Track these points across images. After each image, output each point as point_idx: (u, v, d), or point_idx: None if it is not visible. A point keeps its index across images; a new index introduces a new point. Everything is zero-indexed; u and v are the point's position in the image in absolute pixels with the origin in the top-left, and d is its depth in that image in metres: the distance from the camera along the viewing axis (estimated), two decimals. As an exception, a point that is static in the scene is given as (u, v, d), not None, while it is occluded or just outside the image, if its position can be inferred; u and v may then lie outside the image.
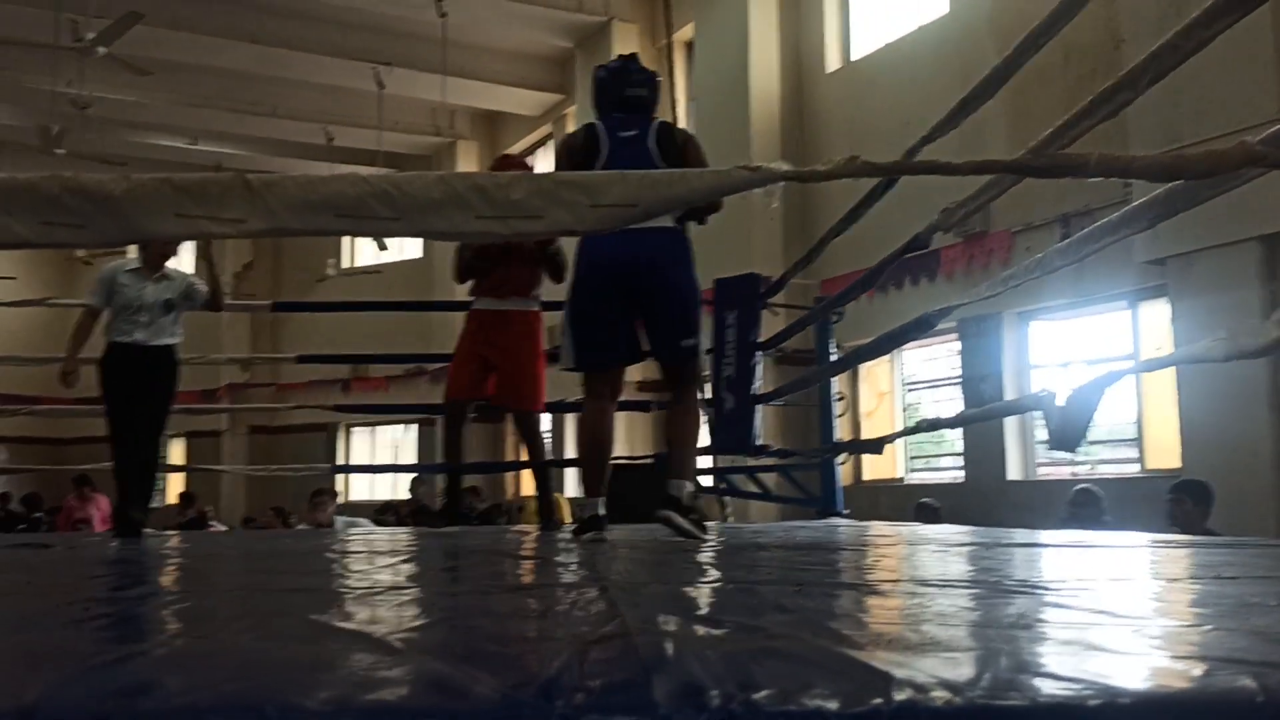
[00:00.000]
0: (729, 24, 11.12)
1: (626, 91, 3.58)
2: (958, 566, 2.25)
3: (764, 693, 0.71)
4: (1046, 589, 1.65)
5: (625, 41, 13.05)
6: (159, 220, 1.43)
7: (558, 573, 2.19)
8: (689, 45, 12.15)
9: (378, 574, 2.17)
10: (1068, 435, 2.08)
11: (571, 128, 14.73)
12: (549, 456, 4.91)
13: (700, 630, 1.06)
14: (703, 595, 1.58)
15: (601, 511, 3.41)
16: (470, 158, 16.63)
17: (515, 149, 16.73)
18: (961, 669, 0.83)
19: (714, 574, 2.13)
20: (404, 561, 2.57)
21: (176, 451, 18.62)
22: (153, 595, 1.83)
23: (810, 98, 10.87)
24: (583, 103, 13.88)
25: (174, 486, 17.97)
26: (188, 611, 1.49)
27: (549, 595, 1.60)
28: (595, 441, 3.52)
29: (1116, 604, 1.43)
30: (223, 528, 11.17)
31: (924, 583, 1.78)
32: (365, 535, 5.21)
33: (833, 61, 10.71)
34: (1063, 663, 0.89)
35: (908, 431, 4.08)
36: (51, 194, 1.41)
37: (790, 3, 11.05)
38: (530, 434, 4.92)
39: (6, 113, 14.41)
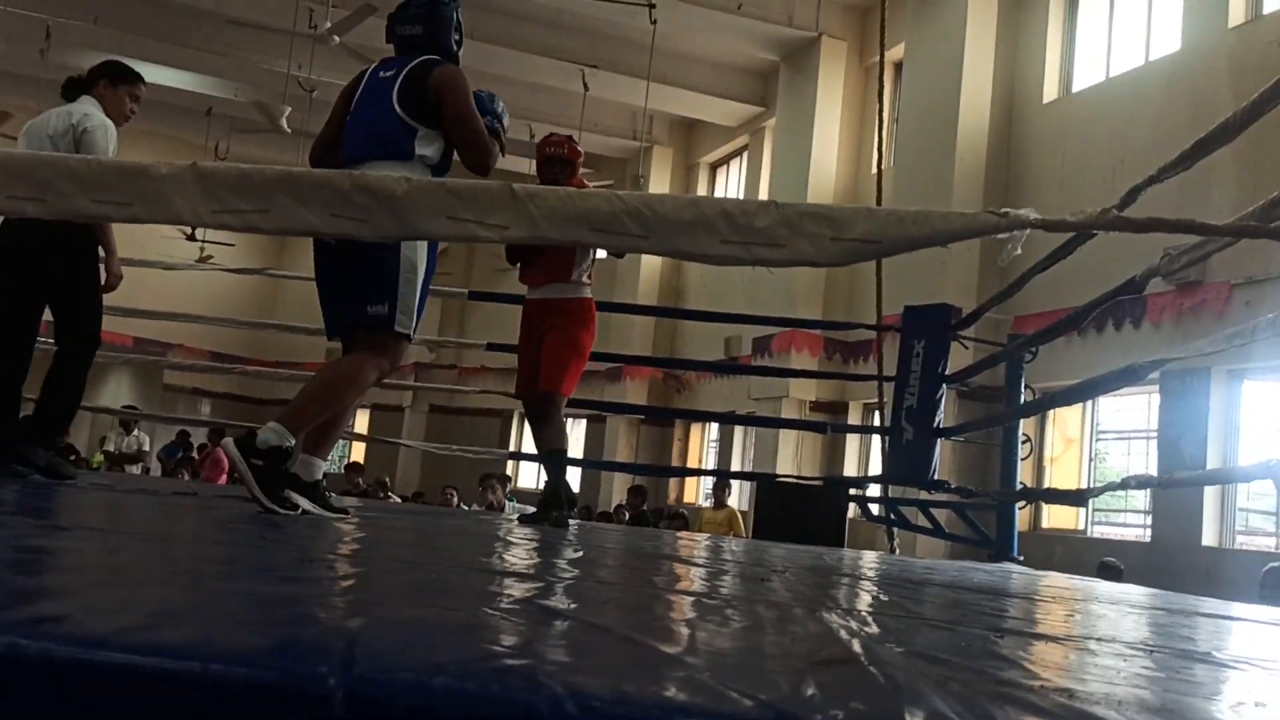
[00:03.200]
0: (942, 46, 10.92)
1: (398, 30, 3.29)
2: (1156, 630, 2.18)
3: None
4: (1260, 664, 1.60)
5: (832, 57, 12.99)
6: (433, 221, 1.54)
7: (734, 580, 2.23)
8: (897, 66, 11.99)
9: (563, 566, 2.27)
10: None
11: (769, 141, 14.79)
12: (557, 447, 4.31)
13: (924, 665, 1.09)
14: (902, 626, 1.59)
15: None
16: (664, 164, 16.85)
17: (709, 159, 16.88)
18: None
19: (901, 606, 2.13)
20: (588, 557, 2.66)
21: (360, 422, 19.58)
22: (401, 562, 1.97)
23: (1022, 128, 10.56)
24: (782, 117, 13.88)
25: (355, 455, 18.91)
26: (430, 581, 1.60)
27: (740, 605, 1.65)
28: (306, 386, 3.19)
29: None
30: (397, 499, 11.68)
31: (1129, 644, 1.75)
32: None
33: (1050, 92, 10.38)
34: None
35: (1112, 487, 3.92)
36: (343, 189, 1.54)
37: (1010, 28, 10.76)
38: (539, 417, 4.34)
39: (243, 91, 15.46)
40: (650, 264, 16.49)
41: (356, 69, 3.59)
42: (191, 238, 14.43)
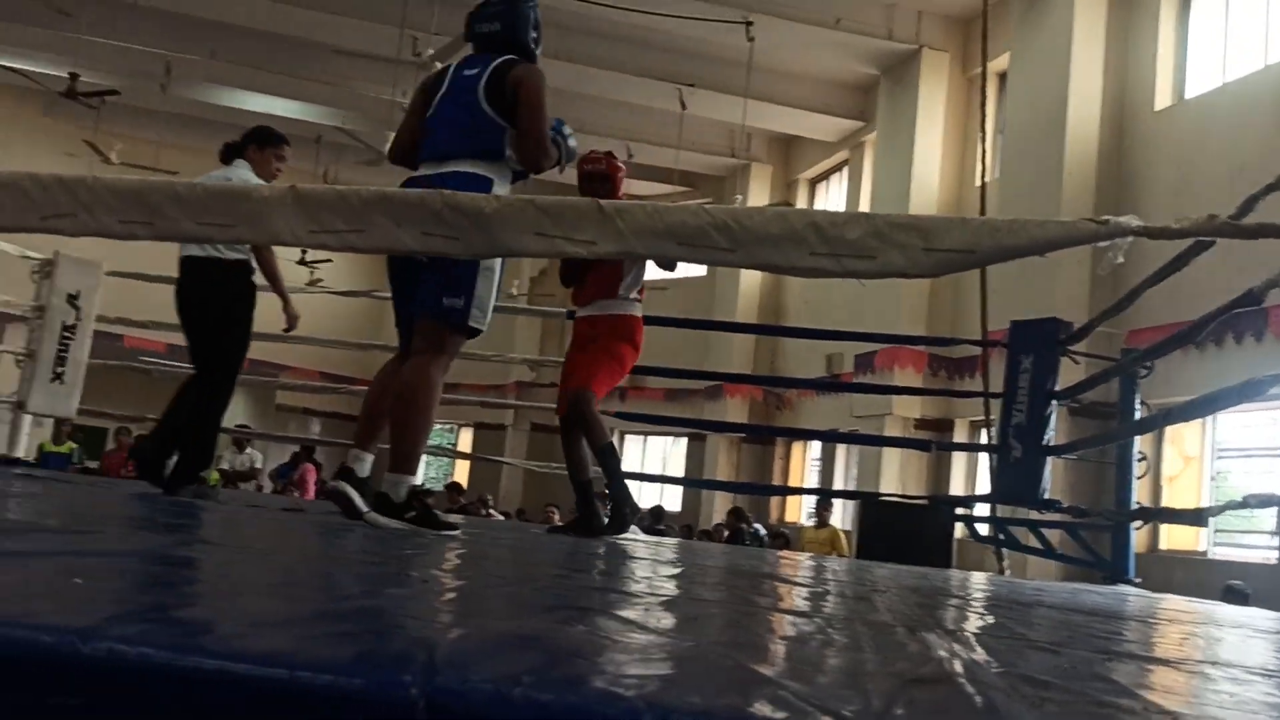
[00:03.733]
0: (1049, 54, 10.67)
1: (476, 28, 3.31)
2: (1281, 658, 2.07)
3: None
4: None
5: (934, 70, 12.81)
6: (522, 237, 1.56)
7: (832, 598, 2.19)
8: (1002, 76, 11.75)
9: (661, 582, 2.26)
10: None
11: (870, 156, 14.64)
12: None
13: (1023, 686, 1.05)
14: (1004, 647, 1.54)
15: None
16: (763, 181, 16.79)
17: (809, 174, 16.77)
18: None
19: (1006, 627, 2.06)
20: (686, 574, 2.64)
21: (464, 440, 19.90)
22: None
23: (1133, 136, 10.25)
24: (883, 131, 13.71)
25: (459, 473, 19.22)
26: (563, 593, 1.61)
27: (837, 624, 1.62)
28: (367, 398, 3.29)
29: None
30: (500, 516, 11.83)
31: (1248, 669, 1.66)
32: (633, 539, 5.39)
33: (1163, 98, 10.05)
34: None
35: (1233, 506, 3.74)
36: (435, 209, 1.57)
37: (1119, 34, 10.46)
38: (579, 419, 4.13)
39: (350, 118, 15.93)
40: (749, 281, 16.44)
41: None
42: (303, 262, 14.87)
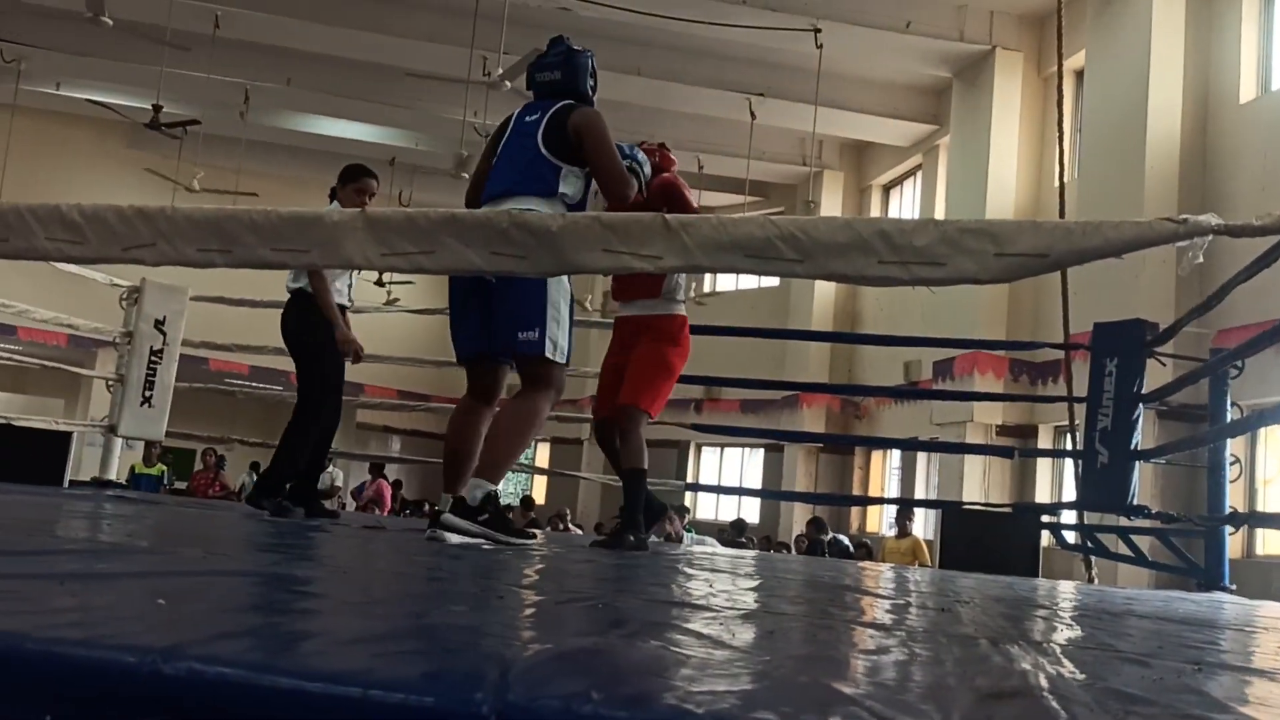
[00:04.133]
0: (1127, 50, 10.43)
1: (537, 77, 3.52)
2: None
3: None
4: None
5: (1008, 70, 12.61)
6: (589, 254, 1.56)
7: (914, 610, 2.15)
8: (1079, 74, 11.51)
9: (738, 595, 2.24)
10: None
11: (944, 159, 14.43)
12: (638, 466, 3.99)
13: (1110, 699, 1.02)
14: (1091, 659, 1.50)
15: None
16: (835, 188, 16.67)
17: (882, 180, 16.61)
18: None
19: (1094, 638, 2.01)
20: (764, 587, 2.62)
21: (541, 455, 20.04)
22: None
23: (1217, 131, 9.96)
24: (957, 134, 13.53)
25: (537, 488, 19.36)
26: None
27: (919, 636, 1.59)
28: (447, 441, 3.38)
29: None
30: (578, 531, 11.87)
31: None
32: (712, 553, 5.38)
33: (1247, 91, 9.76)
34: None
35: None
36: (501, 228, 1.58)
37: (1200, 27, 10.18)
38: (620, 434, 4.05)
39: (425, 140, 16.19)
40: (824, 289, 16.32)
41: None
42: (379, 283, 15.14)
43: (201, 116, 13.00)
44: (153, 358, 5.87)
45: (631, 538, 3.88)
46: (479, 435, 3.33)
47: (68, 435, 5.73)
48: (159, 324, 5.89)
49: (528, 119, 3.40)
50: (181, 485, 13.30)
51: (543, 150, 3.29)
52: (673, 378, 4.12)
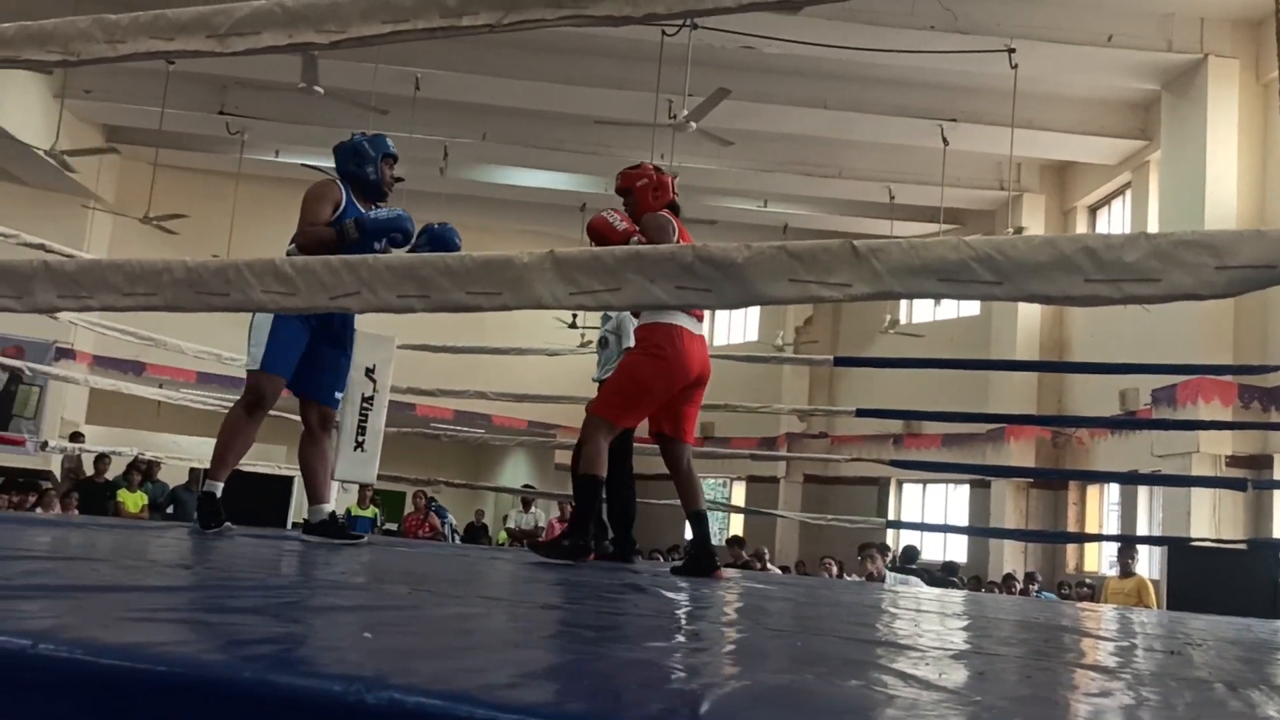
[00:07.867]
0: (1356, 48, 9.62)
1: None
2: None
3: None
4: None
5: (1222, 78, 11.84)
6: (775, 285, 1.54)
7: (1140, 652, 2.00)
8: (1301, 77, 10.70)
9: (946, 634, 2.14)
10: None
11: (1154, 175, 13.65)
12: (588, 472, 3.85)
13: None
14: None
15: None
16: (1037, 211, 16.00)
17: (1089, 200, 15.85)
18: None
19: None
20: (975, 627, 2.51)
21: (738, 494, 19.96)
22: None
23: None
24: (1169, 148, 12.79)
25: (734, 528, 19.26)
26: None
27: (1145, 680, 1.47)
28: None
29: None
30: (777, 570, 11.72)
31: None
32: (917, 593, 5.18)
33: None
34: None
35: None
36: (686, 261, 1.58)
37: None
38: (579, 440, 4.09)
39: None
40: (1028, 316, 15.66)
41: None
42: (573, 325, 15.50)
43: (404, 174, 13.69)
44: (364, 404, 6.17)
45: (566, 543, 3.81)
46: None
47: (290, 479, 6.09)
48: (369, 372, 6.19)
49: None
50: (393, 526, 13.92)
51: None
52: (638, 386, 3.89)
